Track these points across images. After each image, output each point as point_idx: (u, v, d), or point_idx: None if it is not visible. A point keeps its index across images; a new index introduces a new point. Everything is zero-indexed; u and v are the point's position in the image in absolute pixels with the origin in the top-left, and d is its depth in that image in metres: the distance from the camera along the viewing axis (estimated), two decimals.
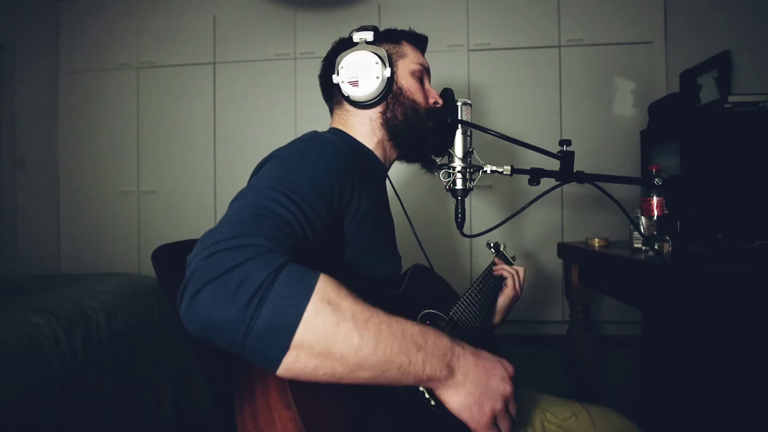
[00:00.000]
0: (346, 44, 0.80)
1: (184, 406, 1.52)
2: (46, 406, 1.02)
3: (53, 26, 2.94)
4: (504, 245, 1.07)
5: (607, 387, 1.78)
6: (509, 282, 0.97)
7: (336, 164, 0.64)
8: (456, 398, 0.50)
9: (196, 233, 0.49)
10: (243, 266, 0.41)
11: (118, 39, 2.90)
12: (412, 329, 0.47)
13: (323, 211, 0.57)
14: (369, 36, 0.77)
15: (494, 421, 0.52)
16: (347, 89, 0.76)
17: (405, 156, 0.84)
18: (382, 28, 0.83)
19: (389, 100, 0.78)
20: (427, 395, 0.56)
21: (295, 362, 0.41)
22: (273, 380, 0.45)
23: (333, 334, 0.42)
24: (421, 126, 0.80)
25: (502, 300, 0.97)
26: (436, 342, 0.48)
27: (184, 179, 2.84)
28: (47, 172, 2.92)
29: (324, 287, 0.43)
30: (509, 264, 1.02)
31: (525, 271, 1.00)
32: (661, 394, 1.72)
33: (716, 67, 2.07)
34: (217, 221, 0.49)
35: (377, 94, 0.76)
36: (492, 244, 1.06)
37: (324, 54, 0.84)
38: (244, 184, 0.62)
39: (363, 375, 0.44)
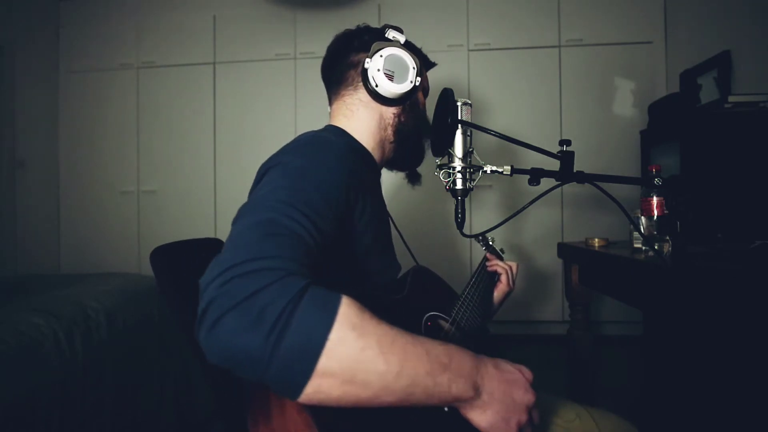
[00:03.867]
0: (374, 33, 0.79)
1: (184, 406, 1.52)
2: (46, 406, 1.02)
3: (53, 26, 2.94)
4: (492, 239, 1.08)
5: (607, 387, 1.78)
6: (503, 278, 0.99)
7: (341, 169, 0.62)
8: (483, 417, 0.50)
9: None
10: (263, 292, 0.40)
11: (118, 39, 2.90)
12: (436, 349, 0.46)
13: (333, 219, 0.56)
14: (402, 39, 0.77)
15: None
16: (379, 78, 0.74)
17: (398, 161, 0.85)
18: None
19: (407, 106, 0.80)
20: None
21: (318, 391, 0.40)
22: (290, 400, 0.44)
23: (357, 361, 0.41)
24: (422, 140, 0.84)
25: (497, 295, 0.99)
26: (461, 361, 0.48)
27: (184, 179, 2.84)
28: (47, 172, 2.92)
29: (347, 311, 0.42)
30: (500, 258, 1.03)
31: (518, 266, 1.02)
32: (661, 394, 1.72)
33: (716, 67, 2.07)
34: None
35: (403, 95, 0.76)
36: (481, 238, 1.06)
37: (324, 54, 0.83)
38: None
39: (388, 399, 0.43)
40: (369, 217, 0.67)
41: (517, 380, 0.53)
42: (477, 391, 0.48)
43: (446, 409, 0.54)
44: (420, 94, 0.83)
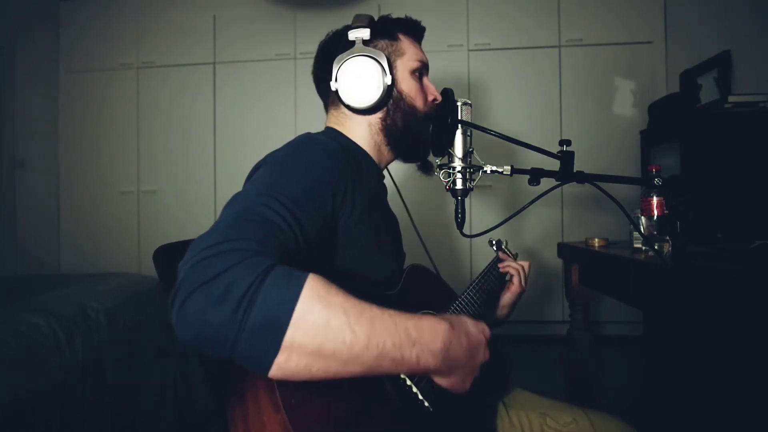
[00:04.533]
0: (340, 41, 0.76)
1: (184, 406, 1.52)
2: (46, 406, 1.02)
3: (53, 26, 2.94)
4: (506, 242, 1.07)
5: (607, 387, 1.78)
6: (515, 279, 0.97)
7: (328, 167, 0.63)
8: (445, 380, 0.53)
9: (196, 233, 0.49)
10: (229, 271, 0.41)
11: (118, 39, 2.90)
12: (406, 323, 0.47)
13: (315, 215, 0.57)
14: (366, 34, 0.74)
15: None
16: (346, 98, 0.74)
17: (401, 157, 0.84)
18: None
19: (390, 107, 0.77)
20: (420, 396, 0.56)
21: (287, 363, 0.41)
22: (262, 382, 0.45)
23: (324, 331, 0.42)
24: (419, 131, 0.80)
25: (509, 296, 0.97)
26: (431, 337, 0.49)
27: (184, 179, 2.84)
28: (47, 172, 2.92)
29: (313, 285, 0.43)
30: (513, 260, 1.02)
31: (530, 266, 1.00)
32: (661, 393, 1.72)
33: (716, 67, 2.07)
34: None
35: (377, 102, 0.74)
36: (494, 242, 1.06)
37: None
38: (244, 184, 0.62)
39: (356, 369, 0.44)
40: (360, 214, 0.67)
41: (479, 344, 0.56)
42: (444, 364, 0.50)
43: (426, 404, 0.56)
44: (405, 85, 0.78)
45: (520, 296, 0.98)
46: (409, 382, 0.56)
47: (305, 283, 0.42)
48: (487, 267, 0.98)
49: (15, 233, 2.72)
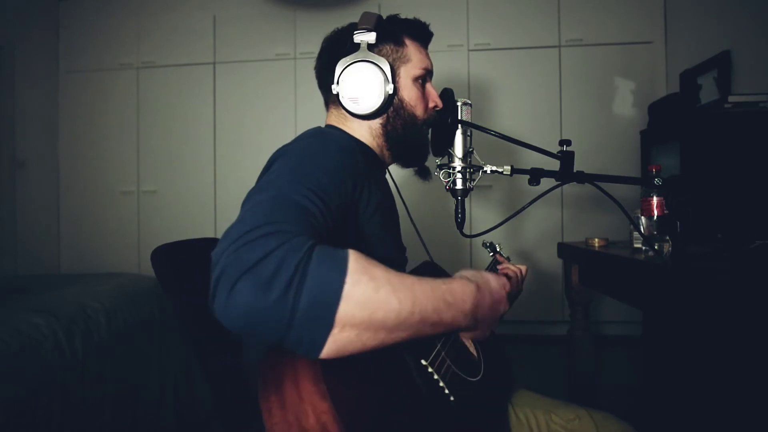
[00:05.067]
0: (345, 42, 0.76)
1: (184, 406, 1.52)
2: (46, 406, 1.02)
3: (53, 26, 2.94)
4: (500, 244, 1.08)
5: (607, 387, 1.78)
6: (513, 281, 0.97)
7: (346, 159, 0.64)
8: (472, 334, 0.61)
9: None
10: (275, 253, 0.41)
11: (118, 39, 2.90)
12: (441, 288, 0.51)
13: (339, 203, 0.58)
14: (371, 38, 0.72)
15: None
16: (347, 103, 0.73)
17: (399, 162, 0.84)
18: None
19: (390, 114, 0.77)
20: (447, 390, 0.57)
21: (342, 337, 0.42)
22: (304, 371, 0.45)
23: (374, 302, 0.43)
24: (418, 137, 0.79)
25: None
26: (463, 298, 0.54)
27: (184, 179, 2.84)
28: (47, 172, 2.91)
29: (356, 259, 0.44)
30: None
31: (527, 270, 1.00)
32: (661, 394, 1.72)
33: (716, 67, 2.07)
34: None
35: (378, 110, 0.73)
36: (488, 244, 1.07)
37: None
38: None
39: (401, 335, 0.46)
40: (375, 207, 0.68)
41: (501, 299, 0.63)
42: (473, 321, 0.56)
43: (452, 399, 0.57)
44: (406, 93, 0.77)
45: (515, 299, 0.99)
46: (436, 376, 0.58)
47: (348, 258, 0.44)
48: (488, 269, 0.98)
49: (15, 233, 2.72)
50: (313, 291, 0.41)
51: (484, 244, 1.07)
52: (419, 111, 0.79)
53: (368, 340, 0.44)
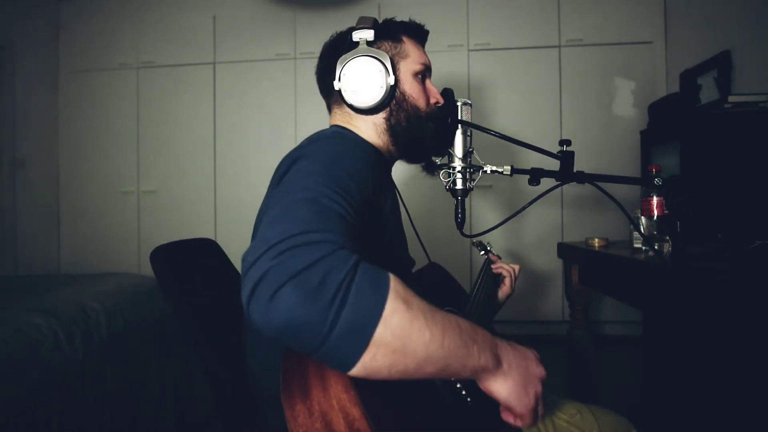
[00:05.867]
0: (344, 42, 0.77)
1: (184, 406, 1.52)
2: (46, 406, 1.02)
3: (53, 26, 2.94)
4: (489, 243, 1.09)
5: (607, 387, 1.78)
6: (507, 280, 1.00)
7: (367, 160, 0.65)
8: (504, 386, 0.52)
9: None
10: (322, 263, 0.41)
11: (118, 39, 2.90)
12: (464, 324, 0.49)
13: (364, 206, 0.57)
14: (369, 35, 0.74)
15: (536, 404, 0.55)
16: (350, 97, 0.74)
17: (406, 158, 0.84)
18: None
19: (392, 107, 0.77)
20: (464, 392, 0.58)
21: (372, 361, 0.41)
22: (335, 378, 0.45)
23: (408, 331, 0.42)
24: (422, 131, 0.79)
25: (501, 297, 1.00)
26: (484, 335, 0.51)
27: (184, 179, 2.84)
28: (47, 172, 2.91)
29: (396, 285, 0.44)
30: None
31: (520, 270, 1.03)
32: (661, 393, 1.72)
33: (716, 67, 2.07)
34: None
35: (381, 102, 0.74)
36: (478, 244, 1.08)
37: None
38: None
39: (429, 370, 0.45)
40: (390, 208, 0.69)
41: (529, 355, 0.57)
42: (499, 362, 0.52)
43: (468, 399, 0.57)
44: (408, 87, 0.78)
45: (508, 297, 1.01)
46: (454, 378, 0.59)
47: (390, 282, 0.43)
48: (483, 268, 0.99)
49: (15, 233, 2.72)
50: (354, 309, 0.40)
51: (473, 244, 1.08)
52: (421, 104, 0.79)
53: (398, 370, 0.43)
